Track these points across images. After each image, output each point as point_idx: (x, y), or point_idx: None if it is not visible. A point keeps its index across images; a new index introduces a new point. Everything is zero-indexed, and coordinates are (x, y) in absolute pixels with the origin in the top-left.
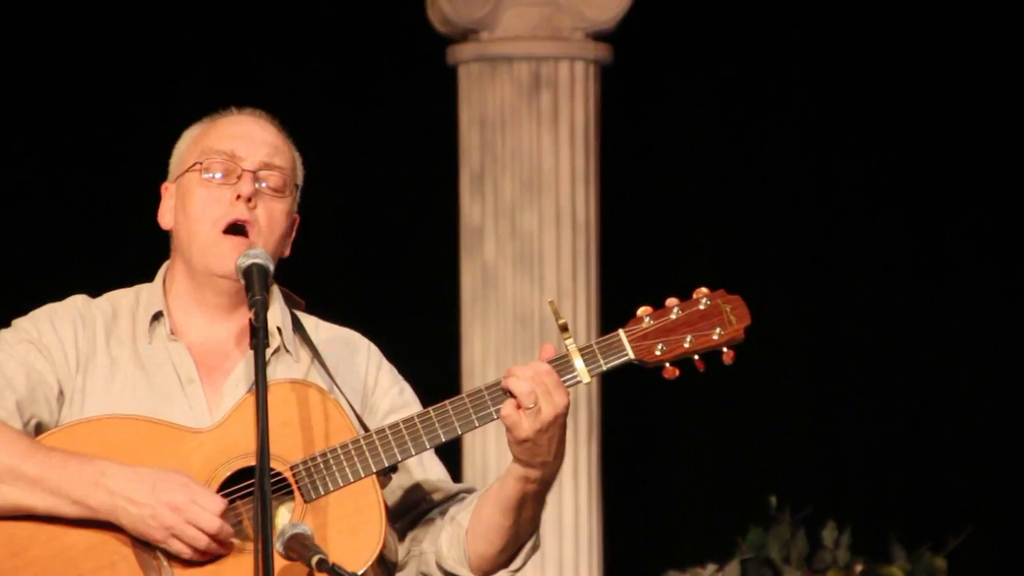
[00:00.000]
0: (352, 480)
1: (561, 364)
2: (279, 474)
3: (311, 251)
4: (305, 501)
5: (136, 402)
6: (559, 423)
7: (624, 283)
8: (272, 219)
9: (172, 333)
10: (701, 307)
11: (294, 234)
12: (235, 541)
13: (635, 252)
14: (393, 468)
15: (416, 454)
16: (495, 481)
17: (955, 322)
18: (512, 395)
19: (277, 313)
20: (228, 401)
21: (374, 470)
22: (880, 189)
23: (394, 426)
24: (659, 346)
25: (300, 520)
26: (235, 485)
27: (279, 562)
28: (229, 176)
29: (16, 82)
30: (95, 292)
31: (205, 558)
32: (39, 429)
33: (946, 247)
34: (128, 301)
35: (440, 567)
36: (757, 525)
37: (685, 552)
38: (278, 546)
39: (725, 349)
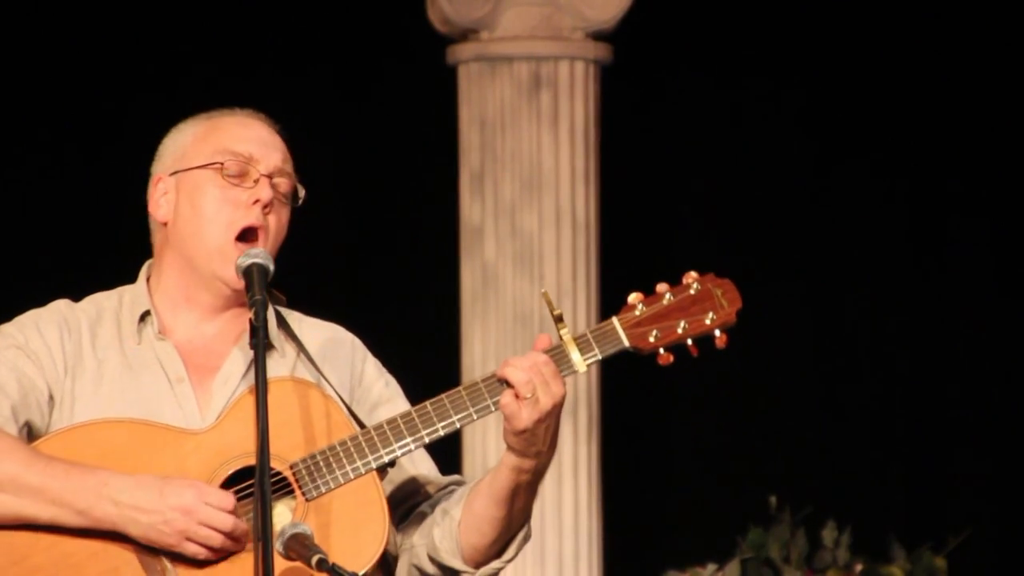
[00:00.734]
0: (353, 477)
1: (557, 354)
2: (279, 473)
3: (311, 251)
4: (307, 500)
5: (125, 404)
6: (556, 413)
7: (624, 283)
8: (280, 225)
9: (160, 332)
10: (692, 292)
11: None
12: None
13: (635, 252)
14: (391, 464)
15: (416, 449)
16: (486, 473)
17: (956, 322)
18: (510, 385)
19: None
20: (218, 399)
21: (375, 467)
22: (880, 188)
23: (392, 421)
24: (653, 333)
25: (302, 519)
26: (235, 486)
27: (279, 562)
28: (245, 179)
29: (9, 82)
30: (83, 293)
31: (217, 557)
32: (30, 434)
33: (947, 246)
34: (111, 303)
35: (432, 559)
36: (757, 525)
37: (685, 552)
38: (278, 546)
39: (718, 333)
